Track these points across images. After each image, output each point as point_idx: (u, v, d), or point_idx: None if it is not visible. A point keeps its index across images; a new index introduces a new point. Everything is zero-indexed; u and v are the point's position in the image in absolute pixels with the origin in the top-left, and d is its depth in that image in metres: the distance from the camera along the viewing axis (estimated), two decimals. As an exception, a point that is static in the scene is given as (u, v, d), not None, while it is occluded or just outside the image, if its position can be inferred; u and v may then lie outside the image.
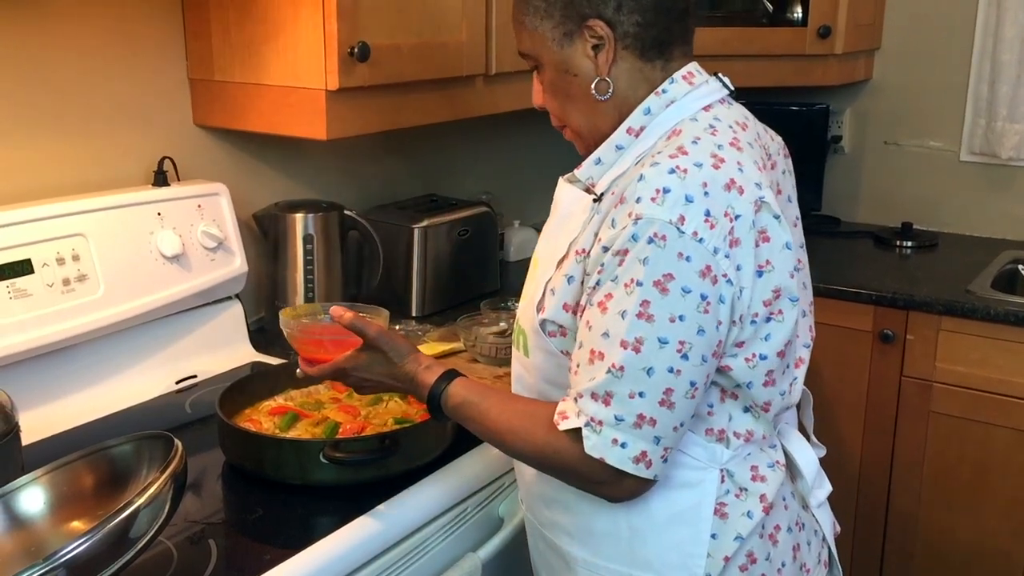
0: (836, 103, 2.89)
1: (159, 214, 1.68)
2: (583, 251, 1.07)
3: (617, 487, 1.05)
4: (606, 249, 1.02)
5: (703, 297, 0.99)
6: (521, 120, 2.07)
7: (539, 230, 2.66)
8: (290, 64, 1.66)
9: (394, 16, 1.71)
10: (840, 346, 2.33)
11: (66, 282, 1.54)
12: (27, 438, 1.34)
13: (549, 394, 1.15)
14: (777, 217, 1.05)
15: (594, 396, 1.02)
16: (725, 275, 1.01)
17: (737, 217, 1.02)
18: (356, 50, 1.61)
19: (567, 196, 1.15)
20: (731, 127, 1.09)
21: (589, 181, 1.13)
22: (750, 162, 1.06)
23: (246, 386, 1.51)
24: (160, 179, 1.72)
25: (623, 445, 1.02)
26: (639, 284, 0.99)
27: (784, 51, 2.57)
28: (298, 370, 1.34)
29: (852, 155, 2.93)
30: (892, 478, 2.33)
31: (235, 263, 1.79)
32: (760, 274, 1.04)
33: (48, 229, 1.52)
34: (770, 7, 2.74)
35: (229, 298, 1.83)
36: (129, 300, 1.61)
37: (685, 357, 1.00)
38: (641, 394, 1.00)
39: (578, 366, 1.05)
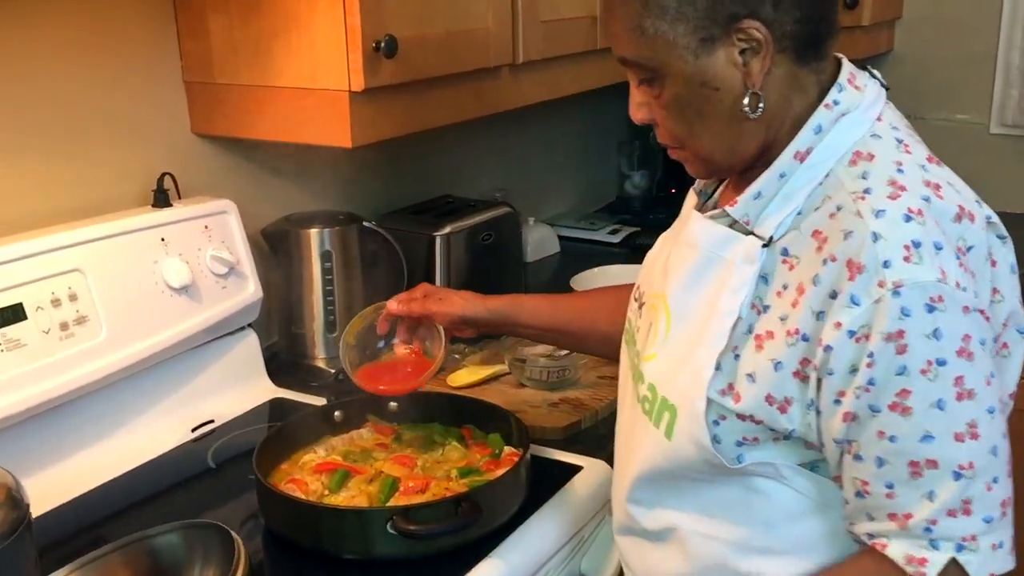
0: (857, 77, 2.73)
1: (163, 239, 1.47)
2: (795, 332, 0.86)
3: None
4: (857, 335, 0.82)
5: (983, 343, 0.83)
6: (528, 111, 1.89)
7: (554, 225, 2.50)
8: (306, 63, 1.45)
9: (419, 5, 1.51)
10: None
11: (64, 326, 1.33)
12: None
13: (684, 488, 0.97)
14: (1003, 238, 0.89)
15: (951, 513, 0.83)
16: (981, 311, 0.84)
17: (970, 249, 0.85)
18: (382, 44, 1.41)
19: (708, 235, 0.95)
20: (911, 135, 0.91)
21: (744, 219, 0.93)
22: (954, 175, 0.89)
23: (279, 437, 1.32)
24: (161, 199, 1.51)
25: (1000, 545, 0.85)
26: (941, 363, 0.81)
27: (809, 24, 2.39)
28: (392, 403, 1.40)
29: (875, 131, 2.78)
30: None
31: (248, 289, 1.59)
32: (990, 304, 0.88)
33: (39, 267, 1.31)
34: (789, -23, 2.56)
35: (242, 328, 1.63)
36: (135, 341, 1.41)
37: (1001, 412, 0.85)
38: (995, 480, 0.84)
39: (890, 487, 0.85)
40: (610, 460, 1.41)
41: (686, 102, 0.91)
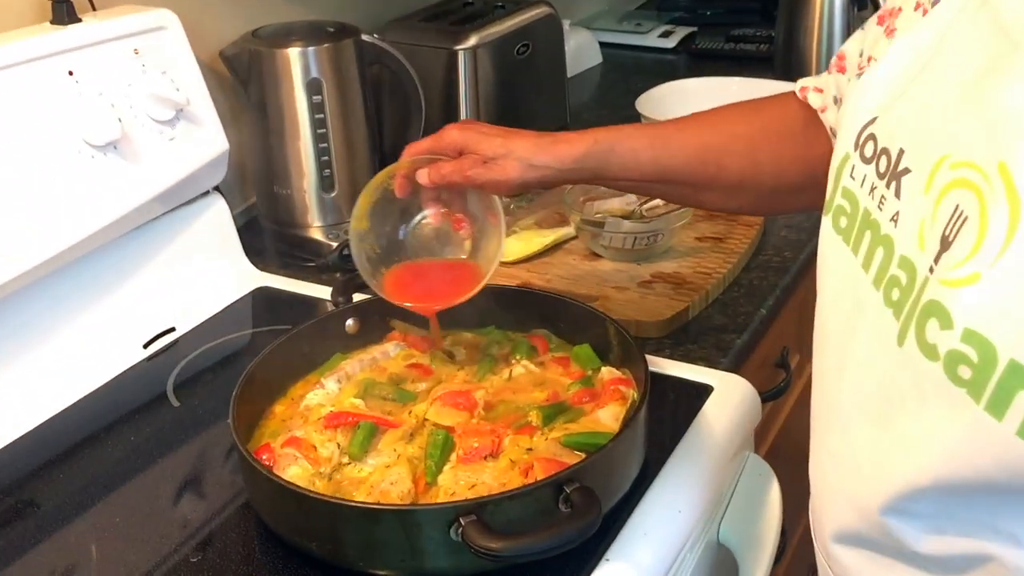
0: None
1: (71, 73, 0.99)
2: None
3: None
4: None
5: None
6: None
7: (592, 29, 1.99)
8: None
9: None
10: None
11: (-75, 216, 0.88)
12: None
13: (1016, 507, 0.54)
14: None
15: None
16: None
17: None
18: None
19: None
20: None
21: None
22: None
23: (265, 366, 0.89)
24: (64, 11, 1.02)
25: None
26: None
27: None
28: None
29: None
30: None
31: (208, 138, 1.12)
32: None
33: None
34: None
35: (205, 194, 1.17)
36: (44, 229, 0.96)
37: None
38: None
39: None
40: (736, 368, 1.00)
41: None
